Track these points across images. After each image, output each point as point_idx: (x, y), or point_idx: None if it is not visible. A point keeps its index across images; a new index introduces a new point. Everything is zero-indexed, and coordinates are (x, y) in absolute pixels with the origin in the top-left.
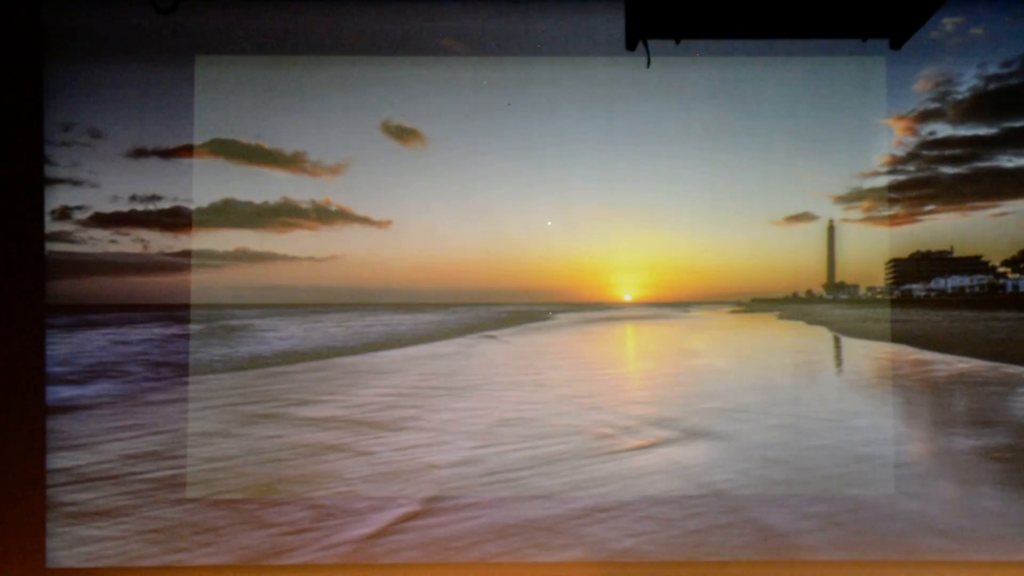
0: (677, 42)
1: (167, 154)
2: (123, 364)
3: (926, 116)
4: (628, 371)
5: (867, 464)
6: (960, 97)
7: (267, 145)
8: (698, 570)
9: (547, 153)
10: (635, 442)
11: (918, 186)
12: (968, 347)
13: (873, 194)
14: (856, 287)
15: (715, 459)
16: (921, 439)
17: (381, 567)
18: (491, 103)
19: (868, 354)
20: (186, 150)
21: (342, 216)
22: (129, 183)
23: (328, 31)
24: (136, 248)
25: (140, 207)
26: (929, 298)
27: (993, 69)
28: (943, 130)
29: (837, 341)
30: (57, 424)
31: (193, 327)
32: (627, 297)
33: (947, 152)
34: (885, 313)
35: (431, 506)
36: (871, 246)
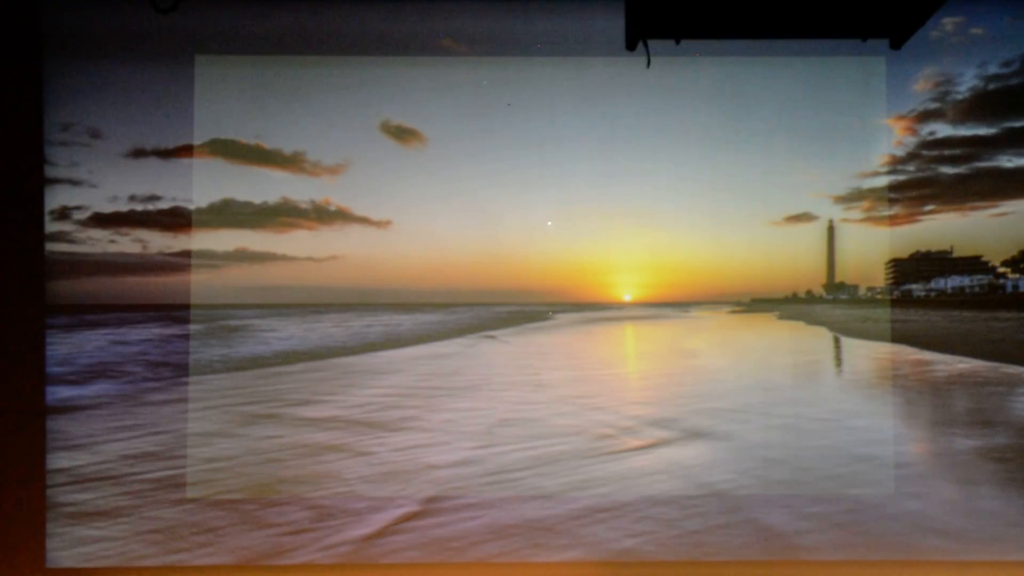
0: (677, 42)
1: (166, 154)
2: (122, 364)
3: (926, 116)
4: (628, 371)
5: (867, 464)
6: (960, 97)
7: (266, 145)
8: (698, 570)
9: (547, 153)
10: (635, 442)
11: (918, 186)
12: (968, 347)
13: (873, 194)
14: (856, 287)
15: (715, 459)
16: (921, 439)
17: (380, 567)
18: (491, 103)
19: (868, 354)
20: (185, 150)
21: (341, 216)
22: (128, 183)
23: (328, 31)
24: (135, 248)
25: (139, 207)
26: (929, 298)
27: (993, 69)
28: (943, 130)
29: (837, 341)
30: (56, 424)
31: (192, 327)
32: (627, 297)
33: (947, 152)
34: (885, 313)
35: (431, 506)
36: (871, 246)
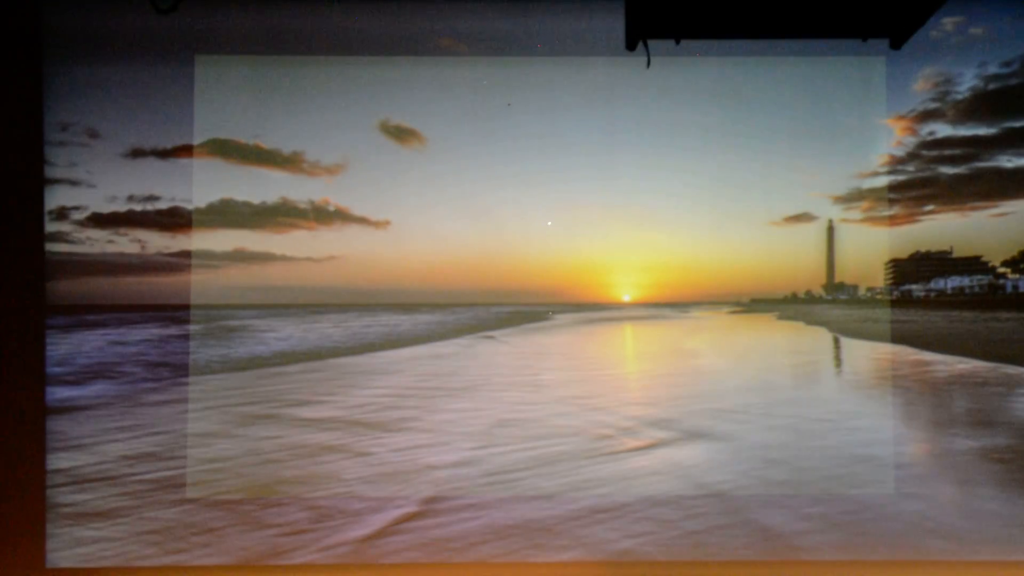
0: (677, 42)
1: (165, 154)
2: (121, 365)
3: (926, 116)
4: (627, 371)
5: (867, 465)
6: (960, 97)
7: (265, 145)
8: (697, 570)
9: (547, 153)
10: (634, 443)
11: (918, 186)
12: (968, 348)
13: (873, 194)
14: (856, 287)
15: (714, 460)
16: (921, 440)
17: (380, 567)
18: (491, 103)
19: (867, 355)
20: (184, 150)
21: (340, 216)
22: (127, 183)
23: (328, 31)
24: (134, 248)
25: (138, 207)
26: (929, 299)
27: (993, 69)
28: (943, 130)
29: (836, 342)
30: (55, 425)
31: (191, 327)
32: (626, 297)
33: (947, 152)
34: (884, 314)
35: (430, 507)
36: (871, 246)
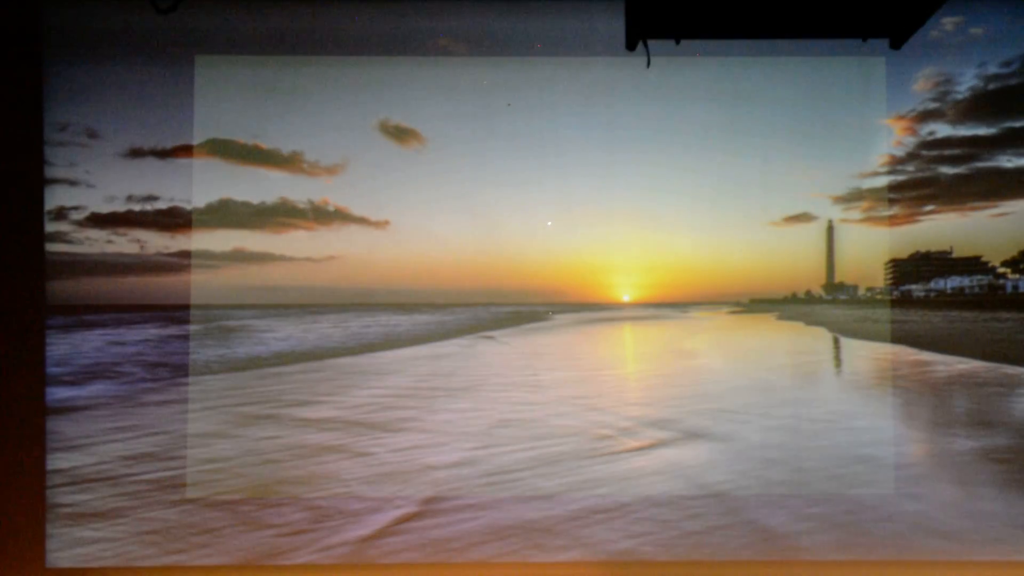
0: (677, 42)
1: (164, 154)
2: (120, 365)
3: (926, 116)
4: (627, 372)
5: (867, 465)
6: (960, 97)
7: (265, 145)
8: (697, 570)
9: (547, 153)
10: (634, 443)
11: (918, 186)
12: (967, 348)
13: (872, 194)
14: (855, 288)
15: (714, 460)
16: (920, 440)
17: (379, 567)
18: (490, 103)
19: (867, 355)
20: (183, 150)
21: (340, 216)
22: (126, 183)
23: (328, 31)
24: (133, 248)
25: (137, 207)
26: (929, 299)
27: (993, 69)
28: (943, 130)
29: (836, 342)
30: (55, 425)
31: (191, 328)
32: (626, 298)
33: (947, 152)
34: (884, 314)
35: (429, 507)
36: (870, 246)
